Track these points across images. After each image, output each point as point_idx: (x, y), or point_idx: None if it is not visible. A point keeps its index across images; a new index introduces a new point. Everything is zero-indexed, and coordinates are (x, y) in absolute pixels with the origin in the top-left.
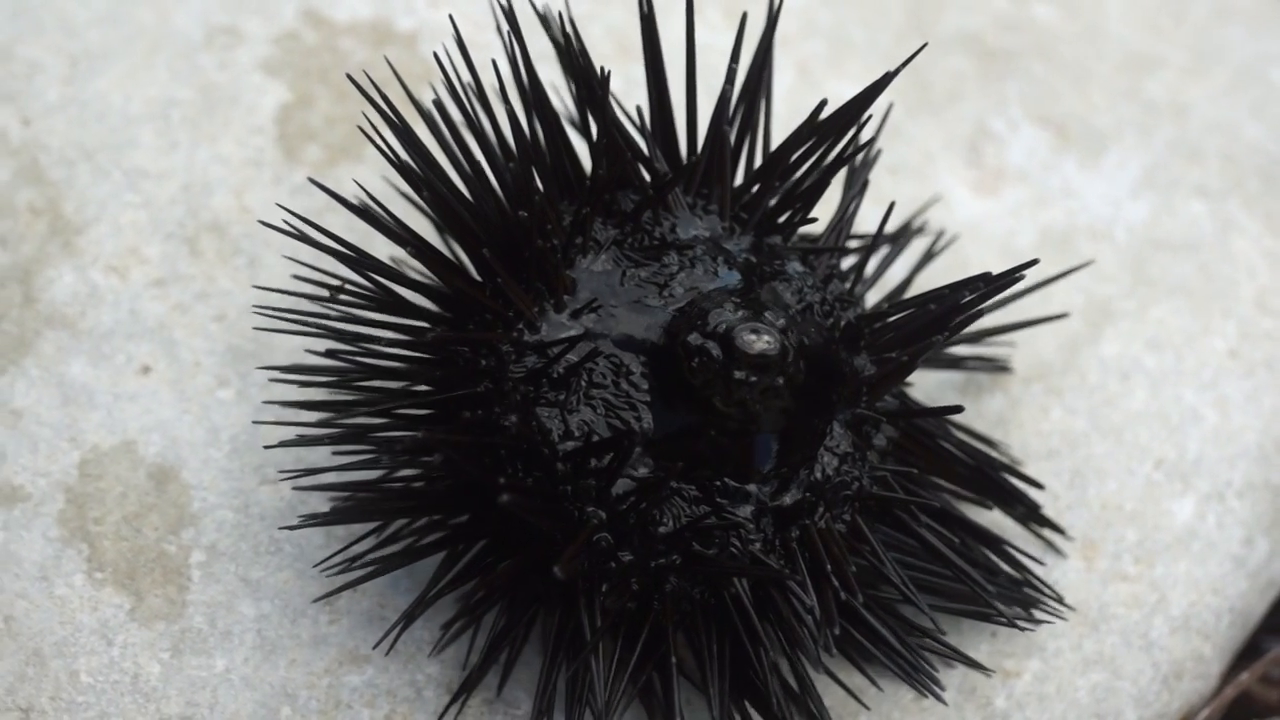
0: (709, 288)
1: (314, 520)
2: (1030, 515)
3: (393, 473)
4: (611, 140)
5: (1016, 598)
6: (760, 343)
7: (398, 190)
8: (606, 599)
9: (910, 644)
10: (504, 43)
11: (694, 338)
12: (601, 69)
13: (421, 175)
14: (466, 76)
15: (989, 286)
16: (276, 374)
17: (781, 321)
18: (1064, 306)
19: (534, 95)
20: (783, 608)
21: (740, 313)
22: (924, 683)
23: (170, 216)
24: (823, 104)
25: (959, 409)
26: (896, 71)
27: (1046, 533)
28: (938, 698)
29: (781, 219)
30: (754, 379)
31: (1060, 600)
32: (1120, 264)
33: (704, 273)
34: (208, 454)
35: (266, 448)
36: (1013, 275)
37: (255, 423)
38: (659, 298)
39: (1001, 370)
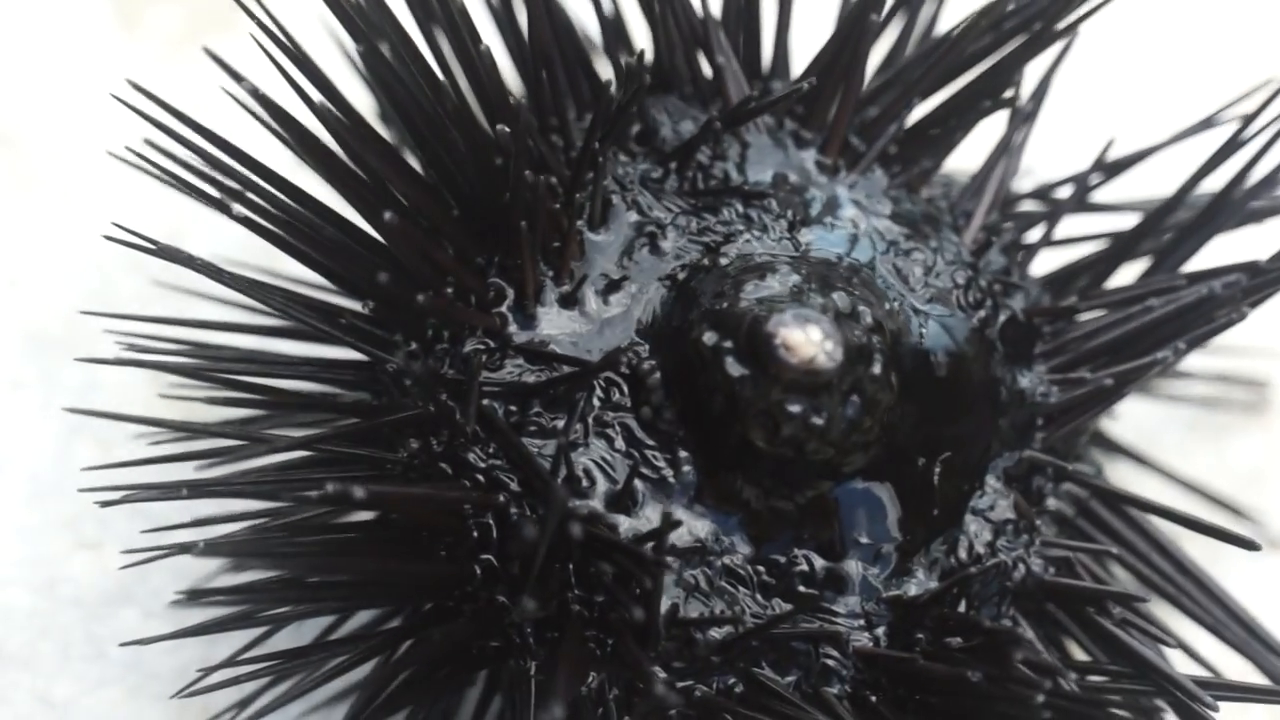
0: (783, 256)
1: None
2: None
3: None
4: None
5: None
6: (808, 344)
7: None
8: None
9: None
10: None
11: (709, 336)
12: None
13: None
14: None
15: (1255, 281)
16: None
17: (865, 311)
18: None
19: None
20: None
21: (789, 291)
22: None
23: None
24: None
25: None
26: None
27: None
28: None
29: (919, 143)
30: (797, 407)
31: None
32: None
33: (779, 235)
34: None
35: (104, 506)
36: None
37: (84, 469)
38: (703, 274)
39: (1258, 399)
